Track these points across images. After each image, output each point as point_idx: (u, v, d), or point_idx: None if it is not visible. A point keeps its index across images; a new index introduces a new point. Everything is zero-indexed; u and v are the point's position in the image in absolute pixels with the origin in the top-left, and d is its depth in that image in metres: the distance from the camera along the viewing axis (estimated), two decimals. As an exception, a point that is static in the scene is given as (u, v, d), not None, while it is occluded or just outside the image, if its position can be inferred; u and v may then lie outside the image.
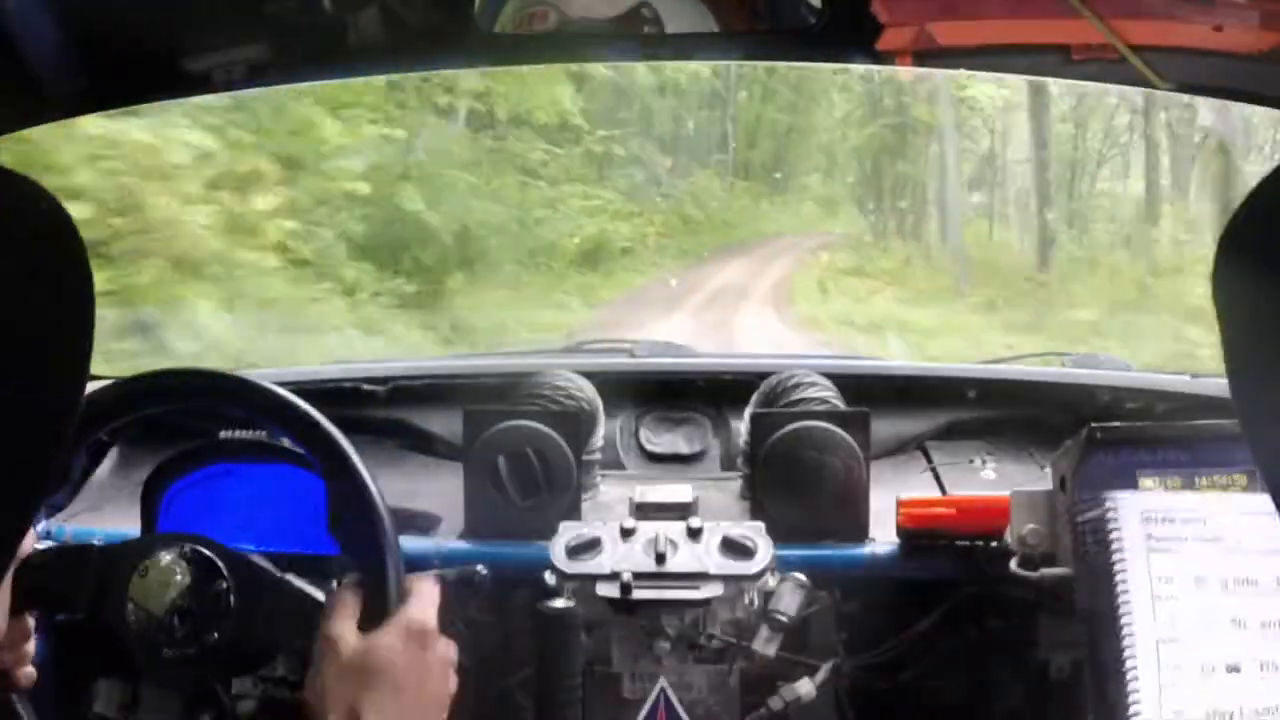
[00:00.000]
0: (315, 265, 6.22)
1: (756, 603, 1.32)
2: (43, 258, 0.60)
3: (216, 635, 1.00)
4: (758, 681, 1.34)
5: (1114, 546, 1.03)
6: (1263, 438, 0.63)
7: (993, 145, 12.65)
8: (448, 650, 0.95)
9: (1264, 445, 0.63)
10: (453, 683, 0.95)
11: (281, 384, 1.04)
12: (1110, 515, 1.04)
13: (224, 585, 1.00)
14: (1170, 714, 1.00)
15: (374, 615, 0.93)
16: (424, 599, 0.95)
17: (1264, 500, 1.11)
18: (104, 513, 1.51)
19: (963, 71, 1.68)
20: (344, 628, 0.92)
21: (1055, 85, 9.08)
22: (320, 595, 1.02)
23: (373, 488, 0.98)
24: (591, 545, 1.34)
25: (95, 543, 1.09)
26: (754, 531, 1.36)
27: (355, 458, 0.99)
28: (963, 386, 1.75)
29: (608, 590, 1.30)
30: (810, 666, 1.35)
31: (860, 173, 13.29)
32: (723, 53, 1.53)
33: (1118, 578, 1.03)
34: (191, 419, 1.41)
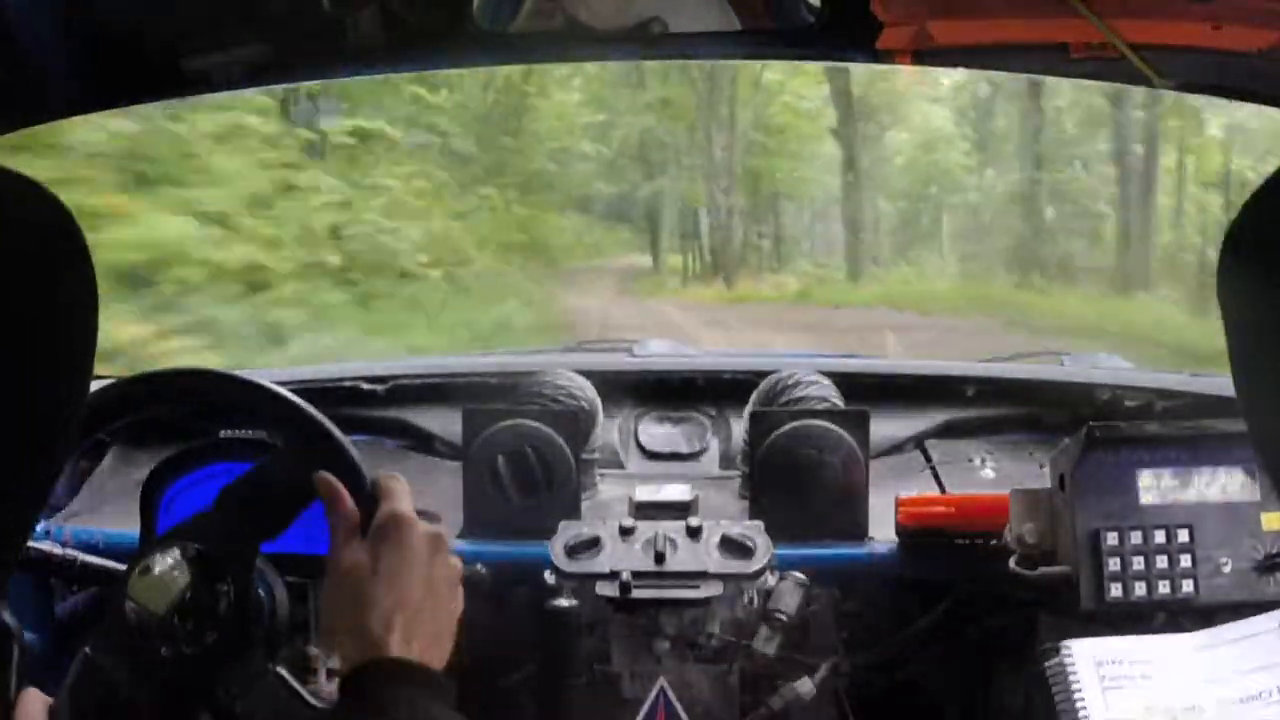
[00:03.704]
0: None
1: (756, 602, 1.32)
2: (45, 258, 0.60)
3: (216, 635, 1.00)
4: (757, 680, 1.34)
5: (1074, 688, 1.19)
6: (1267, 436, 0.63)
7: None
8: (432, 529, 0.94)
9: (1268, 443, 0.63)
10: (455, 563, 0.95)
11: (281, 384, 1.04)
12: (1068, 660, 1.20)
13: (224, 585, 1.01)
14: None
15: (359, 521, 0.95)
16: (392, 495, 0.95)
17: (1197, 637, 1.20)
18: (103, 513, 1.51)
19: (961, 70, 1.67)
20: (339, 548, 0.93)
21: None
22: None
23: (313, 410, 1.00)
24: (591, 544, 1.34)
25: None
26: (753, 530, 1.36)
27: (355, 455, 1.00)
28: (962, 385, 1.75)
29: (607, 589, 1.30)
30: (810, 666, 1.35)
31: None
32: (722, 51, 1.53)
33: (1080, 714, 1.18)
34: (192, 419, 1.41)
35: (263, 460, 1.05)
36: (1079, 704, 1.18)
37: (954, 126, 11.00)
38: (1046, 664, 1.21)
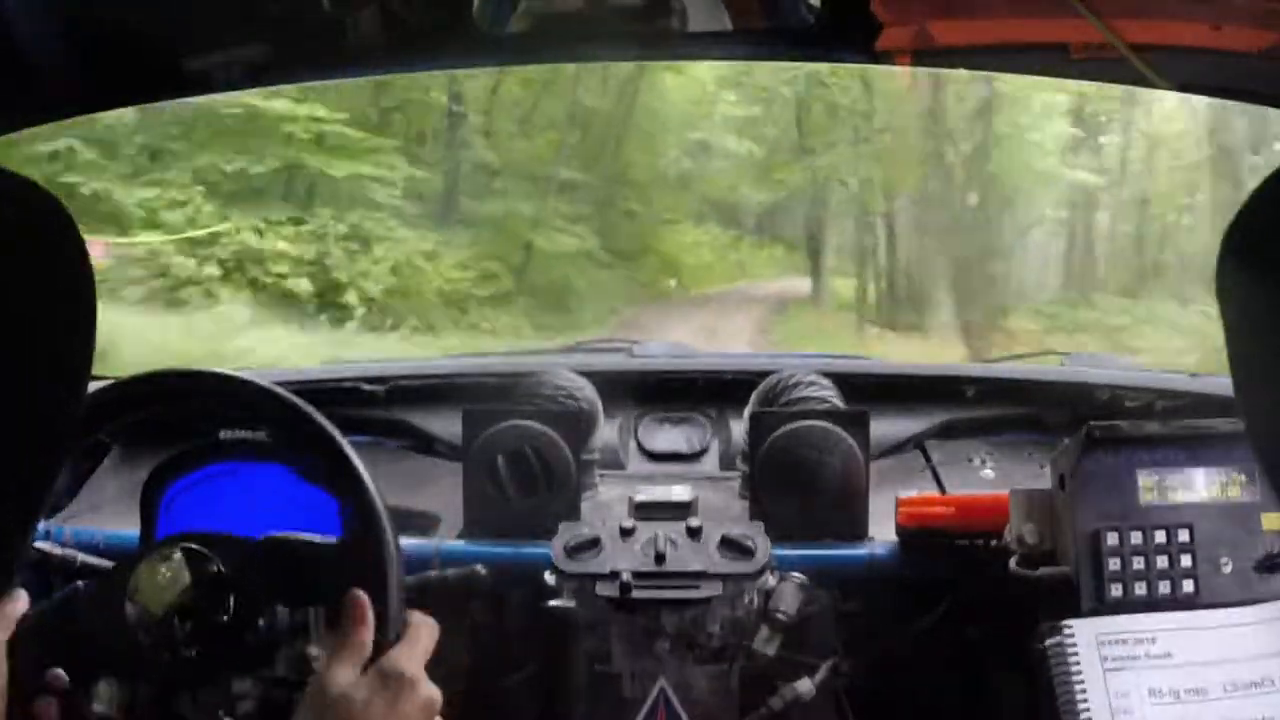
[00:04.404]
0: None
1: (756, 602, 1.32)
2: (43, 258, 0.60)
3: (216, 635, 1.00)
4: (757, 681, 1.34)
5: (1074, 669, 1.17)
6: (1266, 436, 0.63)
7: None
8: (430, 696, 0.94)
9: (1267, 443, 0.63)
10: None
11: (281, 384, 1.04)
12: (1069, 640, 1.18)
13: (224, 611, 1.01)
14: None
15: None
16: (414, 643, 0.95)
17: (1207, 615, 1.17)
18: (104, 513, 1.51)
19: (961, 71, 1.67)
20: (333, 668, 0.92)
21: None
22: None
23: (377, 501, 0.98)
24: (591, 545, 1.34)
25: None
26: (753, 531, 1.36)
27: (360, 467, 0.99)
28: (962, 385, 1.75)
29: (607, 590, 1.30)
30: (810, 666, 1.35)
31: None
32: (722, 51, 1.53)
33: (1078, 697, 1.16)
34: (192, 419, 1.41)
35: (327, 544, 1.04)
36: (1078, 688, 1.16)
37: (1183, 126, 7.83)
38: (1046, 643, 1.19)
